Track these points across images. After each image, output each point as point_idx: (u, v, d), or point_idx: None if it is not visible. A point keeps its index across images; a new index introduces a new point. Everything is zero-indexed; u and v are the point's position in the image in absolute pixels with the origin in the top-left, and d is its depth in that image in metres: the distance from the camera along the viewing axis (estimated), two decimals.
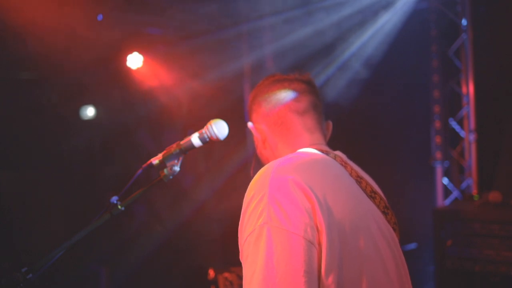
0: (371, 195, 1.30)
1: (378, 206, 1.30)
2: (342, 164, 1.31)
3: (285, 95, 1.47)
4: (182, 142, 1.44)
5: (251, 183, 1.18)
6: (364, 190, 1.29)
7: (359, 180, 1.31)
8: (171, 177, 1.44)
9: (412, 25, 4.31)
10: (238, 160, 4.94)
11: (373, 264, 1.16)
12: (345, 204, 1.17)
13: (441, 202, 4.25)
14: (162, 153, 1.45)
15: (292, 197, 1.09)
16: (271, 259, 1.03)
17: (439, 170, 4.30)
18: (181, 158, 1.44)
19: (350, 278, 1.10)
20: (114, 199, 1.41)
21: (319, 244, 1.08)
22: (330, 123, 1.57)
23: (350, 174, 1.30)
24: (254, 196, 1.12)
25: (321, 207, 1.10)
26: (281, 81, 1.51)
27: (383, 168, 4.28)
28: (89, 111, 4.71)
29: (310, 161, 1.23)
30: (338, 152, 1.40)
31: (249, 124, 1.51)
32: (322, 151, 1.35)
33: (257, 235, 1.07)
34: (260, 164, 1.49)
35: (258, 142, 1.51)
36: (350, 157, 1.46)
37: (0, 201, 3.91)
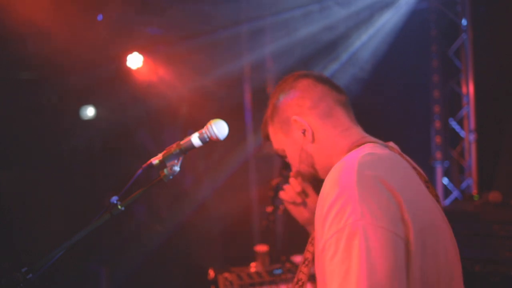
0: (426, 185, 1.32)
1: (432, 195, 1.31)
2: (403, 158, 1.33)
3: (329, 87, 1.46)
4: (182, 142, 1.44)
5: (331, 181, 1.16)
6: (422, 181, 1.30)
7: (416, 170, 1.33)
8: (171, 177, 1.43)
9: (412, 25, 4.31)
10: (238, 160, 4.95)
11: (446, 256, 1.18)
12: (420, 200, 1.19)
13: (441, 202, 4.25)
14: (162, 153, 1.45)
15: (381, 195, 1.10)
16: (369, 256, 1.02)
17: (439, 170, 4.30)
18: (181, 158, 1.44)
19: (430, 276, 1.12)
20: (114, 199, 1.41)
21: (408, 241, 1.09)
22: None
23: (411, 167, 1.31)
24: (340, 195, 1.10)
25: (406, 204, 1.11)
26: (312, 75, 1.49)
27: None
28: (89, 111, 4.71)
29: (385, 158, 1.24)
30: (391, 143, 1.42)
31: (295, 117, 1.42)
32: (382, 144, 1.36)
33: (349, 232, 1.05)
34: (305, 160, 1.44)
35: (302, 136, 1.42)
36: None
37: (0, 201, 3.91)
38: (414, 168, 1.33)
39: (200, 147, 1.44)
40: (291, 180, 1.61)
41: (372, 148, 1.28)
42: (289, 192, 1.62)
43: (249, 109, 5.17)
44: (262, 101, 5.55)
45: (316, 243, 1.19)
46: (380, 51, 4.42)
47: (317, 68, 4.58)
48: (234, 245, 4.76)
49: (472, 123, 4.13)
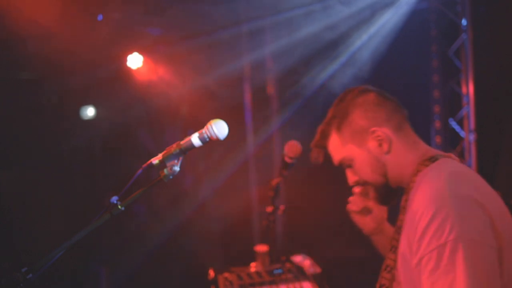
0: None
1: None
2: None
3: (396, 102, 1.58)
4: (182, 142, 1.44)
5: (424, 200, 1.27)
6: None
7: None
8: (171, 177, 1.44)
9: (412, 25, 4.31)
10: (238, 160, 4.95)
11: None
12: (504, 213, 1.33)
13: None
14: (162, 153, 1.45)
15: (475, 211, 1.23)
16: (472, 268, 1.16)
17: None
18: (181, 158, 1.44)
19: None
20: (114, 199, 1.41)
21: (501, 250, 1.23)
22: None
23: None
24: (438, 213, 1.22)
25: (496, 217, 1.25)
26: (376, 91, 1.60)
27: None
28: (89, 111, 4.71)
29: (467, 174, 1.36)
30: (452, 156, 1.51)
31: (375, 128, 1.50)
32: (453, 158, 1.47)
33: (451, 248, 1.18)
34: (378, 170, 1.51)
35: (378, 147, 1.51)
36: None
37: (0, 201, 3.91)
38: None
39: (200, 147, 1.44)
40: (357, 190, 1.73)
41: (451, 165, 1.40)
42: (357, 202, 1.73)
43: (249, 109, 5.17)
44: (262, 101, 5.57)
45: (407, 255, 1.32)
46: (380, 51, 4.42)
47: (317, 68, 4.58)
48: (234, 245, 4.76)
49: (472, 123, 4.13)
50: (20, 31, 3.54)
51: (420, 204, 1.28)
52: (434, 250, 1.20)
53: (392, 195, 1.56)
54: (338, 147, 1.57)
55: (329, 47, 4.45)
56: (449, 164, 1.40)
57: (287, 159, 2.25)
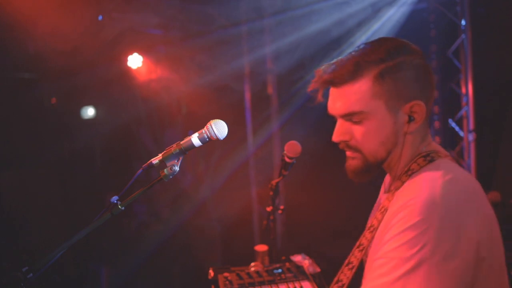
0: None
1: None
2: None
3: (432, 81, 1.31)
4: (182, 142, 1.44)
5: (414, 202, 1.12)
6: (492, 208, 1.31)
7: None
8: (171, 177, 1.44)
9: (411, 25, 4.32)
10: (238, 160, 4.95)
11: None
12: (495, 237, 1.19)
13: None
14: (162, 153, 1.45)
15: (460, 234, 1.09)
16: None
17: None
18: (181, 158, 1.44)
19: None
20: (114, 199, 1.41)
21: (472, 284, 1.11)
22: None
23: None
24: (420, 224, 1.09)
25: (483, 242, 1.12)
26: (425, 61, 1.31)
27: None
28: (89, 111, 4.71)
29: (464, 182, 1.20)
30: (450, 156, 1.35)
31: (420, 103, 1.24)
32: (451, 159, 1.31)
33: (411, 266, 1.07)
34: (388, 145, 1.28)
35: (405, 122, 1.26)
36: None
37: (0, 201, 3.92)
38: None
39: (200, 147, 1.45)
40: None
41: (449, 169, 1.22)
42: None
43: (249, 109, 5.17)
44: (262, 101, 5.57)
45: (374, 244, 1.22)
46: None
47: (317, 68, 4.58)
48: (234, 245, 4.77)
49: (471, 123, 4.13)
50: (20, 31, 3.54)
51: (407, 206, 1.14)
52: (396, 259, 1.09)
53: (372, 176, 1.34)
54: (364, 96, 1.24)
55: (328, 47, 4.46)
56: (446, 168, 1.22)
57: (287, 159, 2.25)
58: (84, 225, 1.37)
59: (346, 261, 1.36)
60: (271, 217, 2.40)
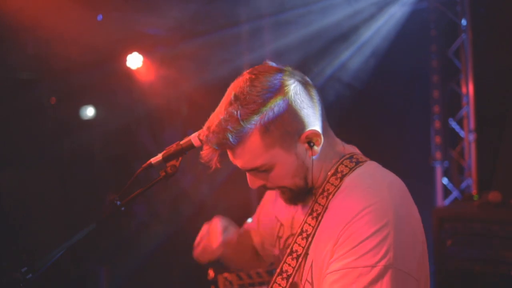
0: None
1: None
2: None
3: (313, 86, 1.34)
4: (182, 142, 1.44)
5: (368, 211, 1.14)
6: None
7: None
8: (171, 177, 1.44)
9: (411, 25, 4.31)
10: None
11: None
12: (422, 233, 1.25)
13: (441, 202, 4.25)
14: (162, 153, 1.45)
15: (413, 238, 1.15)
16: None
17: (438, 170, 4.30)
18: (181, 158, 1.44)
19: None
20: (114, 199, 1.41)
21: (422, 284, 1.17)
22: None
23: None
24: (380, 231, 1.11)
25: (424, 244, 1.20)
26: (297, 77, 1.33)
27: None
28: (89, 111, 4.71)
29: (402, 188, 1.26)
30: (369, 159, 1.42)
31: (314, 130, 1.25)
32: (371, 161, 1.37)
33: (378, 273, 1.08)
34: (300, 174, 1.29)
35: (306, 150, 1.28)
36: None
37: (0, 201, 3.91)
38: None
39: (200, 147, 1.45)
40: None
41: (383, 171, 1.30)
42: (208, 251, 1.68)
43: None
44: None
45: (319, 262, 1.21)
46: (380, 51, 4.42)
47: (317, 68, 4.58)
48: None
49: (471, 123, 4.13)
50: (20, 31, 3.54)
51: (362, 215, 1.13)
52: (358, 269, 1.09)
53: (305, 195, 1.36)
54: (259, 151, 1.23)
55: (329, 46, 4.45)
56: (380, 172, 1.28)
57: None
58: (84, 225, 1.37)
59: (278, 270, 1.32)
60: None
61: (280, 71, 1.31)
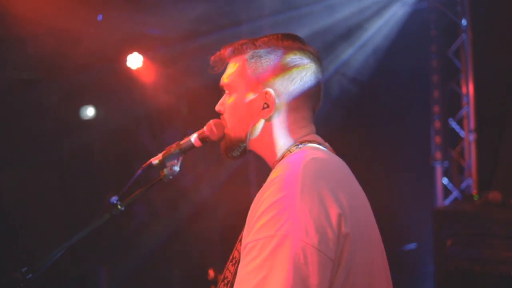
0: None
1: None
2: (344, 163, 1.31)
3: (319, 65, 1.35)
4: (182, 142, 1.44)
5: (275, 183, 1.12)
6: (361, 189, 1.29)
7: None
8: (171, 177, 1.44)
9: (411, 25, 4.31)
10: (238, 160, 4.94)
11: (380, 274, 1.20)
12: (361, 215, 1.19)
13: (441, 202, 4.25)
14: (162, 153, 1.45)
15: (319, 210, 1.07)
16: (289, 272, 1.01)
17: (439, 170, 4.30)
18: (181, 158, 1.44)
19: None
20: (114, 199, 1.41)
21: (338, 259, 1.09)
22: None
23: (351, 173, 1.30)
24: (280, 201, 1.08)
25: (346, 217, 1.10)
26: (310, 50, 1.35)
27: (382, 168, 4.29)
28: (89, 111, 4.71)
29: (329, 165, 1.21)
30: (327, 144, 1.36)
31: (270, 91, 1.28)
32: (325, 147, 1.32)
33: (276, 243, 1.04)
34: (245, 126, 1.33)
35: (261, 108, 1.30)
36: (349, 158, 1.43)
37: (0, 201, 3.91)
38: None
39: (200, 147, 1.45)
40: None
41: (317, 152, 1.23)
42: None
43: None
44: None
45: (243, 239, 1.17)
46: (380, 51, 4.42)
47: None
48: (234, 245, 4.76)
49: (471, 123, 4.13)
50: (20, 31, 3.54)
51: (270, 186, 1.12)
52: (261, 240, 1.06)
53: (238, 151, 1.40)
54: (235, 71, 1.35)
55: (329, 46, 4.45)
56: (312, 151, 1.22)
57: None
58: (84, 225, 1.37)
59: (231, 257, 1.34)
60: None
61: (308, 49, 1.37)
